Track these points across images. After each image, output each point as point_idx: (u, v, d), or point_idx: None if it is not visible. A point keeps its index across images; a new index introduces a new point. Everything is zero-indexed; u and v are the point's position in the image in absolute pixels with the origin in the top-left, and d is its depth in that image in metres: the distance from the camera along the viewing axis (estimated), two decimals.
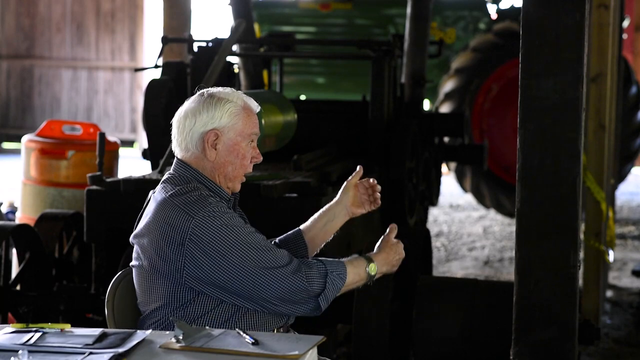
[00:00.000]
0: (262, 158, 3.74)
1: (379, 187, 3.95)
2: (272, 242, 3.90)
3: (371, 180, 3.95)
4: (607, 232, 7.69)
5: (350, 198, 3.95)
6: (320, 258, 3.70)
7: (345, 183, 3.97)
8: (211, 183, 3.66)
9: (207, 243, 3.48)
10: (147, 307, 3.62)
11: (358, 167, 3.99)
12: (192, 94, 3.73)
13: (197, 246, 3.48)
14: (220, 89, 3.70)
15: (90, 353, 2.91)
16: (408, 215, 6.97)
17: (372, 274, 3.73)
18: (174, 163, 3.71)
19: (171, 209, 3.53)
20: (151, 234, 3.56)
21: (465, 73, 11.62)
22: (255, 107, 3.71)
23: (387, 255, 3.80)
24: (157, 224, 3.55)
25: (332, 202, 3.97)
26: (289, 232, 3.98)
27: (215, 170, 3.66)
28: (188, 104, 3.67)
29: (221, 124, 3.62)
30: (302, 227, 3.97)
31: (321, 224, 3.95)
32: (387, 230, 3.86)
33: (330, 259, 3.70)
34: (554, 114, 4.14)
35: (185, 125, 3.63)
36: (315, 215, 3.98)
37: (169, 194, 3.58)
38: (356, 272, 3.69)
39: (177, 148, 3.68)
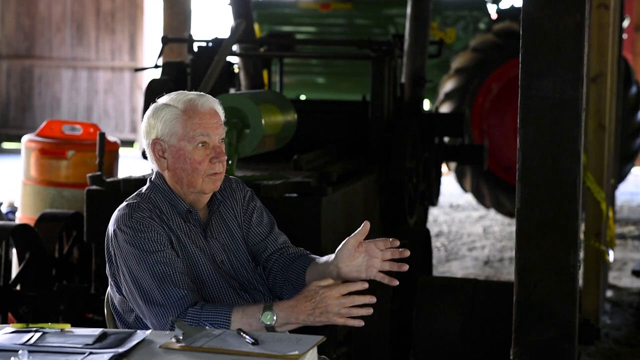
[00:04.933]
0: (225, 157, 3.47)
1: (405, 253, 3.38)
2: (292, 251, 3.68)
3: (381, 243, 3.39)
4: (607, 232, 7.68)
5: (343, 259, 3.38)
6: (207, 304, 3.32)
7: (345, 240, 3.39)
8: (170, 192, 3.52)
9: (117, 255, 3.44)
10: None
11: (364, 224, 3.37)
12: None
13: (114, 253, 3.46)
14: (171, 94, 3.52)
15: (90, 353, 2.91)
16: (408, 215, 6.97)
17: (268, 323, 3.21)
18: None
19: (113, 215, 3.53)
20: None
21: (465, 73, 11.61)
22: (203, 106, 3.44)
23: (295, 304, 3.21)
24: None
25: (328, 258, 3.46)
26: (306, 258, 3.59)
27: (172, 178, 3.51)
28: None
29: (159, 133, 3.47)
30: (313, 262, 3.55)
31: (316, 276, 3.47)
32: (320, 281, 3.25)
33: (218, 306, 3.32)
34: (554, 114, 4.14)
35: (142, 134, 3.57)
36: (321, 259, 3.52)
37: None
38: (246, 322, 3.24)
39: None
